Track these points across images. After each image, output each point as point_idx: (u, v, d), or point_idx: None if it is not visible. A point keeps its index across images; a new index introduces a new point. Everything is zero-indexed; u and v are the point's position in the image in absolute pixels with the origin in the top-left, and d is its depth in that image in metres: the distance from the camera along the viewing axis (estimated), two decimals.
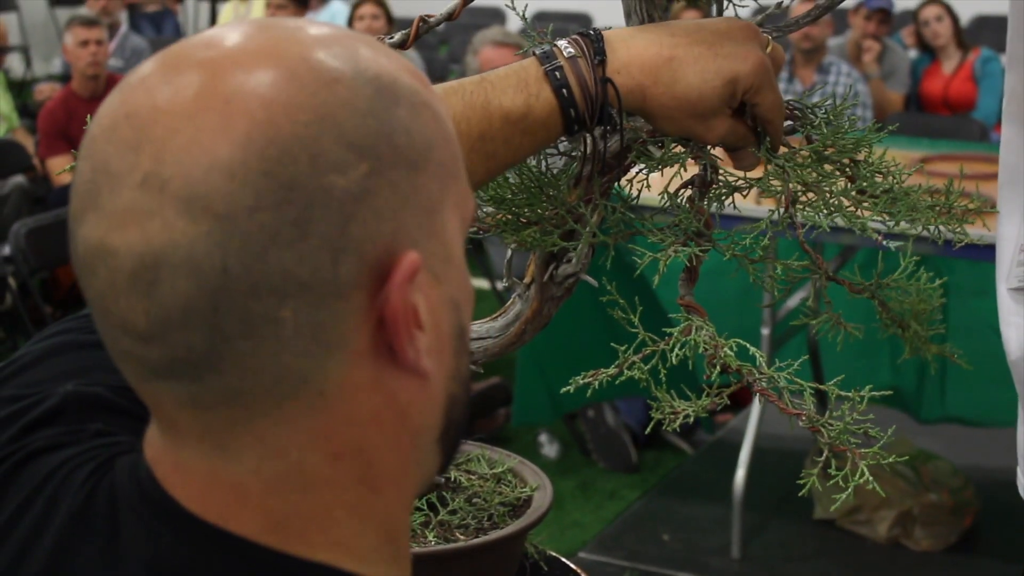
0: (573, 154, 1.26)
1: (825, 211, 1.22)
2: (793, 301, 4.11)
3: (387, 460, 0.79)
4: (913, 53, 7.55)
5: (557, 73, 1.13)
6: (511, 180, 1.26)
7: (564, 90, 1.13)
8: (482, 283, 5.67)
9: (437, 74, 7.87)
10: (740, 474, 3.90)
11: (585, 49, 1.14)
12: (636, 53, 1.14)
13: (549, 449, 4.67)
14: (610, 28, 1.19)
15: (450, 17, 1.29)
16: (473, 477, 1.42)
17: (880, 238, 1.21)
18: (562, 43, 1.15)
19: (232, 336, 0.72)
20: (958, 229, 1.23)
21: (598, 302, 1.24)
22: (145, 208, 0.71)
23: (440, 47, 9.44)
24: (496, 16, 8.87)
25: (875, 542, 3.93)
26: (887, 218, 1.21)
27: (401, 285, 0.74)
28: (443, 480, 1.40)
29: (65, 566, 0.80)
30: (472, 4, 1.30)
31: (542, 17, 8.94)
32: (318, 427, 0.76)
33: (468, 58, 5.14)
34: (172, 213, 0.70)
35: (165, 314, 0.71)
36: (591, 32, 1.16)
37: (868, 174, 1.22)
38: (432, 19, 1.30)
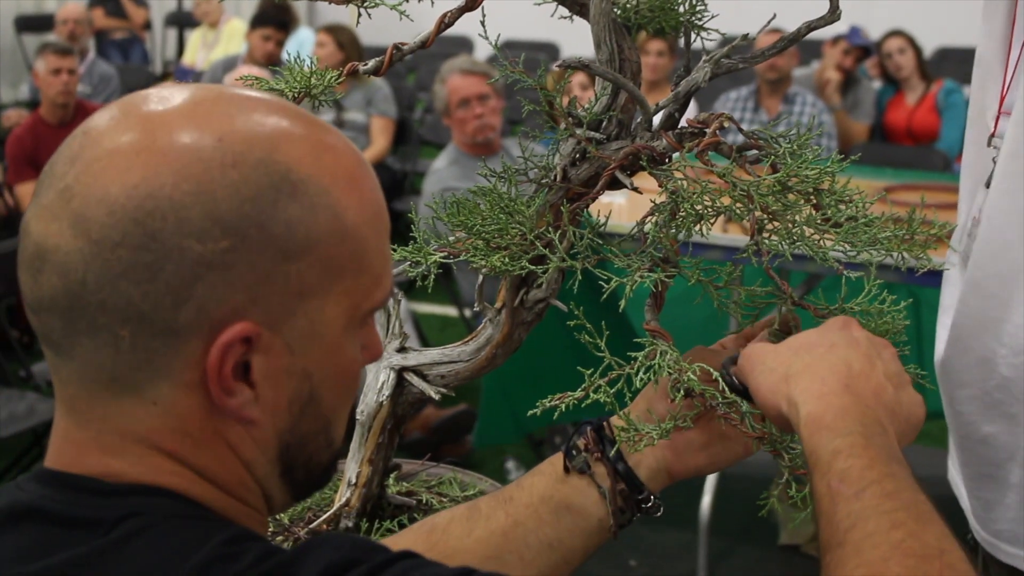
0: (543, 181, 1.28)
1: (789, 240, 1.23)
2: None
3: (220, 474, 0.93)
4: (877, 84, 7.63)
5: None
6: (481, 207, 1.28)
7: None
8: (450, 310, 5.68)
9: (405, 103, 7.87)
10: (706, 500, 3.92)
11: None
12: None
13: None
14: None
15: (424, 45, 1.31)
16: (445, 499, 1.43)
17: (841, 267, 1.23)
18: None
19: (80, 332, 0.88)
20: (921, 256, 1.25)
21: (564, 325, 1.25)
22: (55, 211, 0.88)
23: (408, 75, 9.45)
24: (464, 44, 8.89)
25: None
26: (848, 248, 1.23)
27: (221, 347, 0.88)
28: (415, 503, 1.41)
29: None
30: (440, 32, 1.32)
31: (511, 46, 8.98)
32: (153, 427, 0.91)
33: (436, 86, 5.16)
34: (67, 223, 0.88)
35: (40, 295, 0.89)
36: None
37: (832, 203, 1.24)
38: (406, 47, 1.32)
